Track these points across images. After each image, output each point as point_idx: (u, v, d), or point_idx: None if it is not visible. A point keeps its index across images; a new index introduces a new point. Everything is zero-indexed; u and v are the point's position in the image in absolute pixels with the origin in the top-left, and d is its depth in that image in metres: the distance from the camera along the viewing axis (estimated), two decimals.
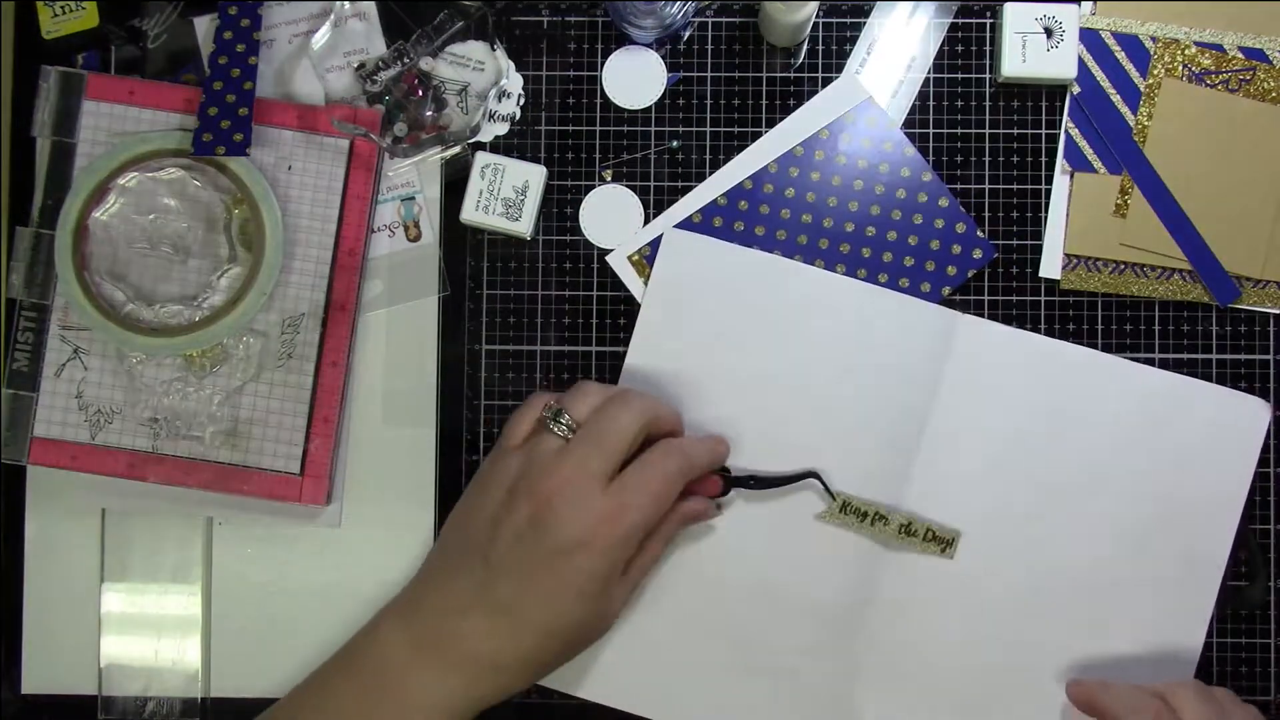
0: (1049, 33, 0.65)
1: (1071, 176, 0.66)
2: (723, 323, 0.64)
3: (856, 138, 0.65)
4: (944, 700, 0.62)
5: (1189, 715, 0.54)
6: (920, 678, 0.62)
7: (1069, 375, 0.63)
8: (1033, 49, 0.65)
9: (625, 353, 0.66)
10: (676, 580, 0.63)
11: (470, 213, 0.66)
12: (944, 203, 0.65)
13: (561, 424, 0.57)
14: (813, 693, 0.63)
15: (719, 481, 0.61)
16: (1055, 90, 0.66)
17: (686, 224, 0.66)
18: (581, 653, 0.58)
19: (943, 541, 0.62)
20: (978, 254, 0.65)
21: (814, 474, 0.62)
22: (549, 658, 0.56)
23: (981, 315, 0.66)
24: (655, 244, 0.66)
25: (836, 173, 0.65)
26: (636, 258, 0.66)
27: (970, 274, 0.65)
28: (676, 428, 0.60)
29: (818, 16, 0.67)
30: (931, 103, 0.67)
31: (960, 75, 0.67)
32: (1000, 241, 0.66)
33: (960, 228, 0.65)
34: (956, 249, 0.65)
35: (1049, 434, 0.63)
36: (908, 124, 0.67)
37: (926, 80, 0.67)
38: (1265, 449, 0.64)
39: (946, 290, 0.65)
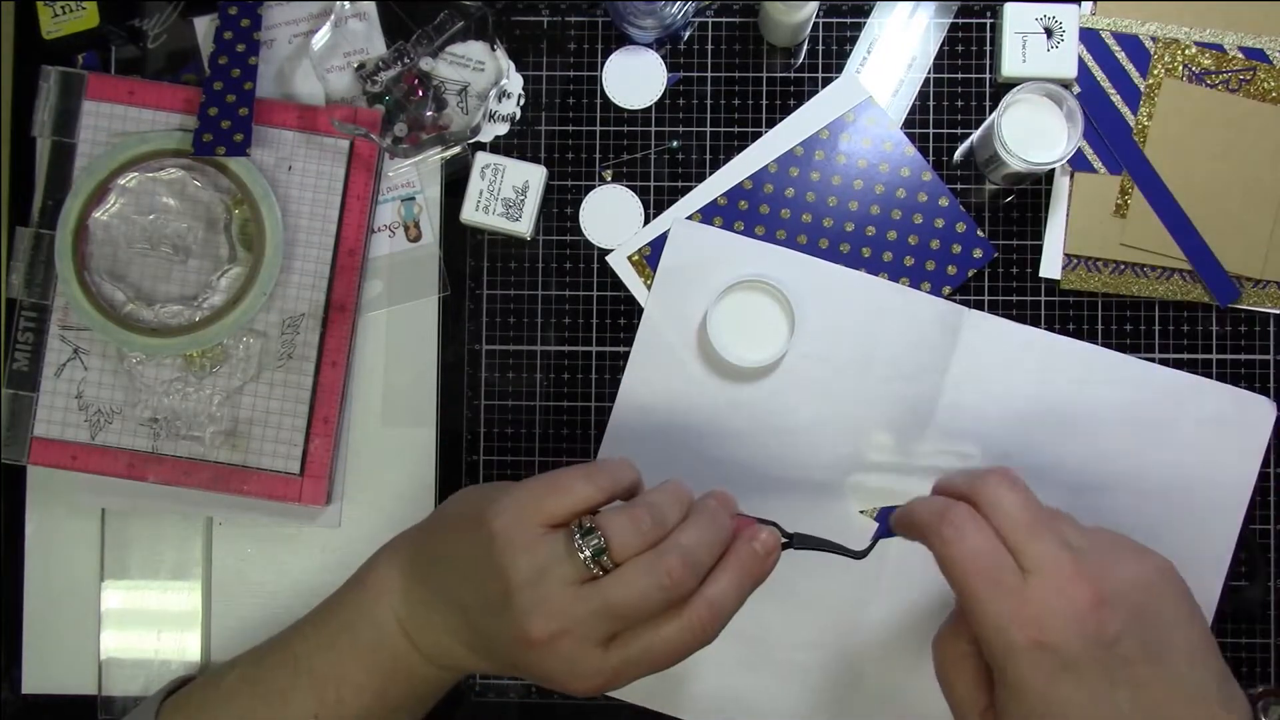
0: (1049, 33, 0.65)
1: (1071, 176, 0.66)
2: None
3: (856, 137, 0.65)
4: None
5: (1000, 508, 0.48)
6: (922, 670, 0.62)
7: (1075, 370, 0.63)
8: (1033, 49, 0.65)
9: (626, 353, 0.66)
10: None
11: (470, 213, 0.66)
12: (944, 202, 0.65)
13: (590, 549, 0.48)
14: (818, 686, 0.63)
15: (772, 536, 0.51)
16: None
17: None
18: None
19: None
20: (978, 254, 0.65)
21: (844, 551, 0.54)
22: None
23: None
24: (656, 244, 0.66)
25: (836, 172, 0.65)
26: (636, 258, 0.66)
27: (970, 273, 0.65)
28: (715, 547, 0.50)
29: (818, 16, 0.67)
30: (931, 103, 0.67)
31: (960, 75, 0.67)
32: (1000, 241, 0.66)
33: (960, 227, 0.65)
34: (956, 248, 0.65)
35: (1055, 428, 0.63)
36: (908, 124, 0.67)
37: (926, 80, 0.67)
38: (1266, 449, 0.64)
39: (947, 290, 0.65)
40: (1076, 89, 0.66)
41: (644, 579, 0.47)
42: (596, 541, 0.47)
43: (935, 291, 0.65)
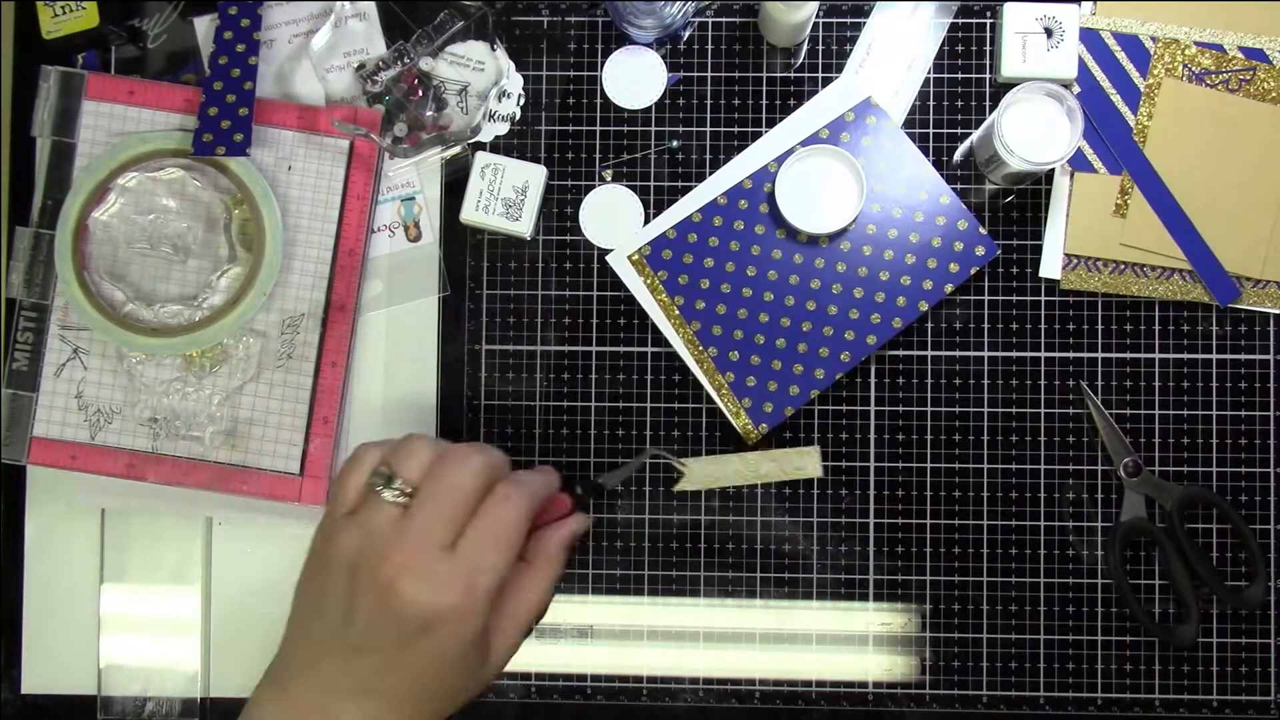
0: (1049, 33, 0.65)
1: (1071, 176, 0.66)
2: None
3: (856, 137, 0.65)
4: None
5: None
6: None
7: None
8: (1033, 49, 0.65)
9: (626, 352, 0.66)
10: None
11: (470, 213, 0.66)
12: (945, 200, 0.65)
13: (395, 489, 0.52)
14: None
15: (566, 500, 0.59)
16: None
17: (686, 224, 0.66)
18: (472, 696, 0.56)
19: (805, 462, 0.65)
20: (980, 251, 0.65)
21: (657, 453, 0.59)
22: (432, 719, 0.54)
23: (981, 315, 0.66)
24: (656, 244, 0.66)
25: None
26: (636, 257, 0.66)
27: (973, 270, 0.65)
28: (508, 470, 0.56)
29: (818, 16, 0.67)
30: (931, 103, 0.67)
31: (960, 75, 0.67)
32: (1000, 241, 0.66)
33: (962, 225, 0.65)
34: (959, 246, 0.65)
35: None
36: (908, 124, 0.67)
37: (926, 80, 0.67)
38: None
39: (949, 287, 0.65)
40: (1077, 89, 0.66)
41: (452, 469, 0.52)
42: (388, 477, 0.52)
43: (938, 289, 0.65)
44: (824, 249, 0.65)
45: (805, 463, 0.65)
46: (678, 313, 0.65)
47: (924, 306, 0.65)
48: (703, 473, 0.65)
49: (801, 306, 0.65)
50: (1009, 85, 0.66)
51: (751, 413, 0.65)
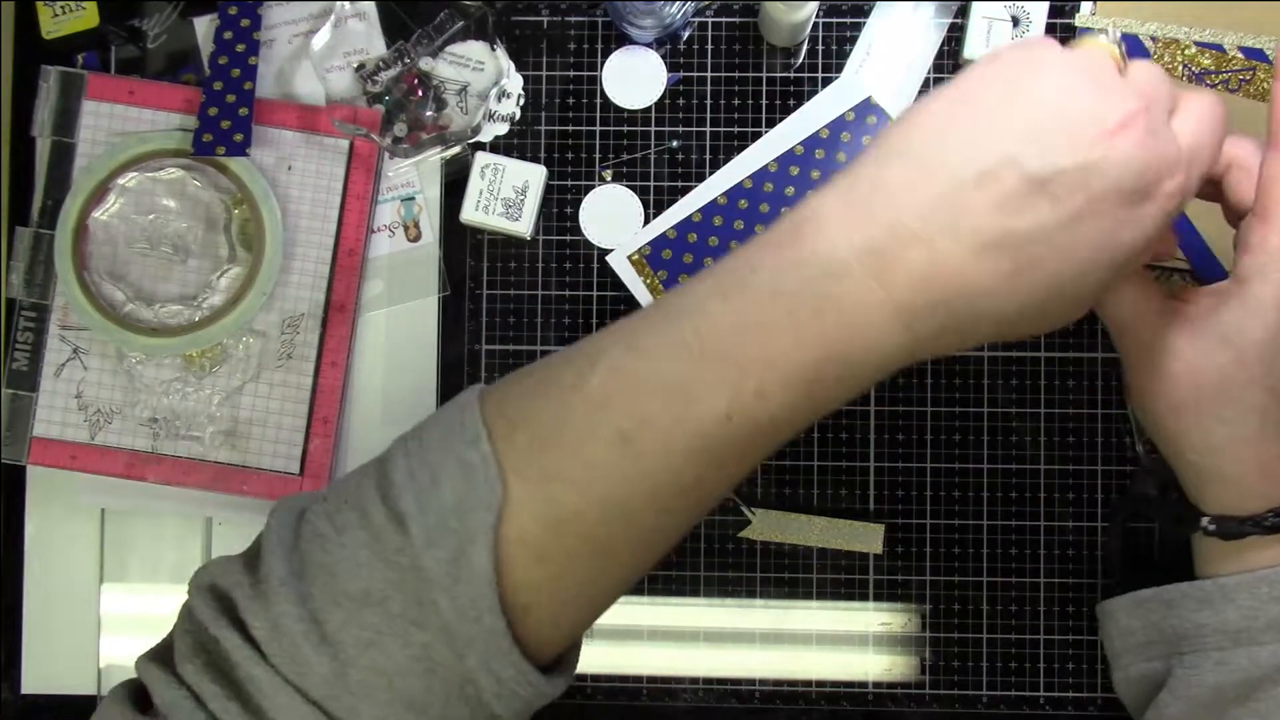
0: (1015, 21, 0.65)
1: None
2: None
3: (857, 136, 0.65)
4: None
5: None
6: None
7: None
8: (997, 36, 0.65)
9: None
10: None
11: (470, 213, 0.66)
12: None
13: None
14: None
15: None
16: None
17: (686, 224, 0.66)
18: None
19: (868, 538, 0.64)
20: None
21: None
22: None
23: None
24: (656, 244, 0.66)
25: (837, 171, 0.65)
26: (636, 257, 0.66)
27: None
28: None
29: (818, 16, 0.67)
30: None
31: None
32: None
33: None
34: None
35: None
36: None
37: (926, 80, 0.67)
38: None
39: None
40: None
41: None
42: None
43: None
44: None
45: (870, 540, 0.65)
46: None
47: None
48: (767, 525, 0.65)
49: None
50: None
51: None
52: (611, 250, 0.66)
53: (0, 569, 0.66)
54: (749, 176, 0.66)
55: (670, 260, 0.66)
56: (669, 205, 0.66)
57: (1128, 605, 0.56)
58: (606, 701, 0.65)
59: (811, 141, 0.66)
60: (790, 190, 0.65)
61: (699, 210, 0.66)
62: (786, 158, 0.66)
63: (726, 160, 0.66)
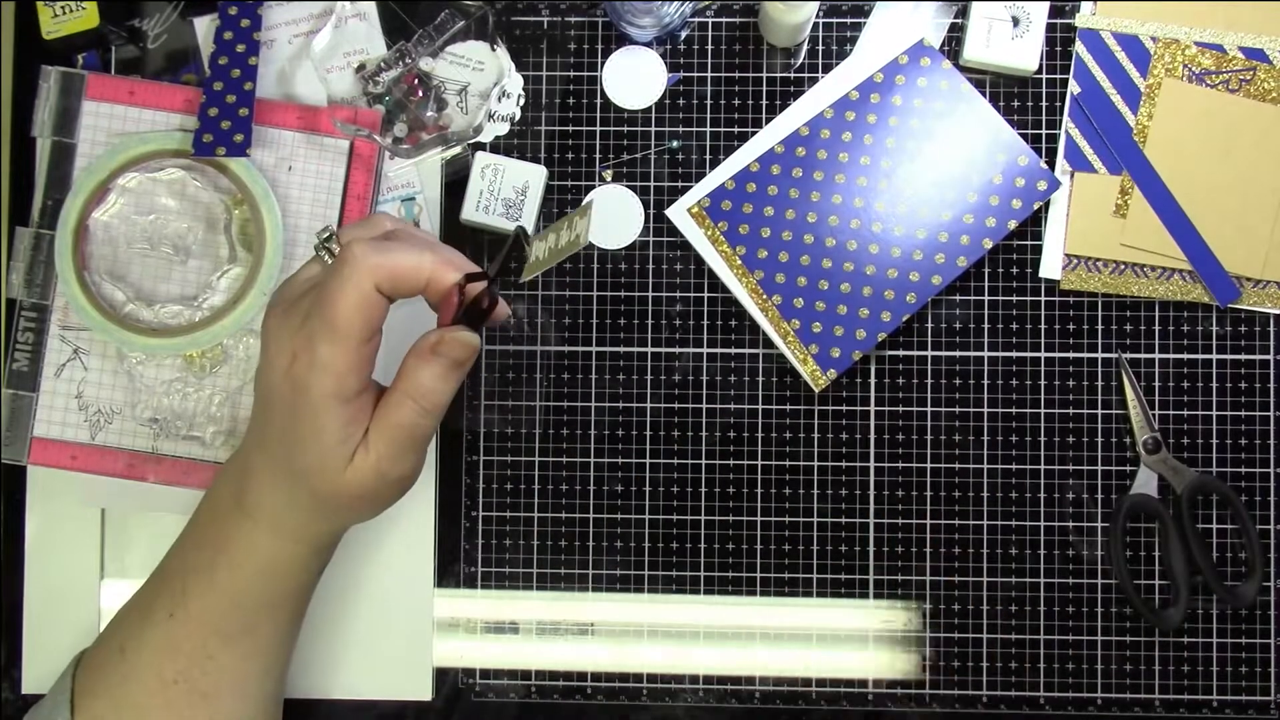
0: (1015, 21, 0.65)
1: (1071, 176, 0.66)
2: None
3: (911, 78, 0.65)
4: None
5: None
6: None
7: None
8: (997, 35, 0.65)
9: (626, 352, 0.66)
10: None
11: (470, 213, 0.66)
12: (1004, 136, 0.64)
13: (323, 241, 0.53)
14: None
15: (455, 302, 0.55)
16: (1055, 89, 0.66)
17: (744, 174, 0.66)
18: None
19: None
20: (1042, 185, 0.64)
21: (520, 231, 0.54)
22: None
23: (981, 315, 0.66)
24: (715, 195, 0.65)
25: (892, 114, 0.65)
26: (696, 210, 0.65)
27: (1035, 206, 0.64)
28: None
29: (818, 16, 0.67)
30: None
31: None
32: (1000, 242, 0.66)
33: (1023, 160, 0.64)
34: (1020, 181, 0.64)
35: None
36: None
37: None
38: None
39: (1013, 224, 0.64)
40: (1077, 88, 0.66)
41: (364, 227, 0.53)
42: (327, 235, 0.53)
43: (1001, 226, 0.64)
44: (883, 191, 0.65)
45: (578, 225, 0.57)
46: (740, 263, 0.65)
47: (988, 244, 0.64)
48: (540, 249, 0.57)
49: (864, 250, 0.65)
50: (1009, 85, 0.66)
51: (819, 359, 0.65)
52: (613, 250, 0.66)
53: (0, 569, 0.66)
54: (805, 124, 0.65)
55: (730, 211, 0.65)
56: (669, 205, 0.66)
57: None
58: (606, 701, 0.66)
59: (866, 86, 0.65)
60: (847, 135, 0.65)
61: (757, 160, 0.65)
62: (842, 103, 0.65)
63: (726, 160, 0.66)
